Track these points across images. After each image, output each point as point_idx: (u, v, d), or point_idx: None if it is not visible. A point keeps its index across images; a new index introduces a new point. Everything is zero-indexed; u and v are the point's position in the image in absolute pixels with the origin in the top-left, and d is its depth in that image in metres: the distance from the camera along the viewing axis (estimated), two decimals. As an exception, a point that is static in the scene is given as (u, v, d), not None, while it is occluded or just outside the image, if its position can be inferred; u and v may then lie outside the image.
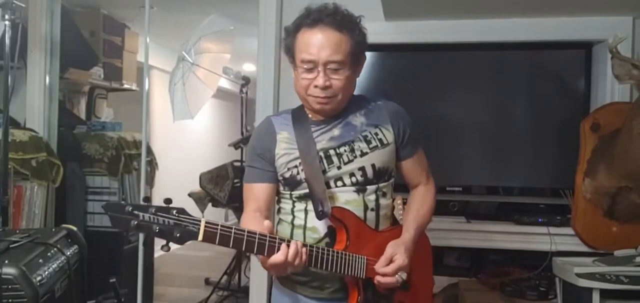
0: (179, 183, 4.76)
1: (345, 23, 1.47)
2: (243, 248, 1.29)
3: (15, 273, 1.68)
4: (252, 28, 3.04)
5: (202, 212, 4.37)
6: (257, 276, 2.70)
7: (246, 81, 4.33)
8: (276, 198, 1.61)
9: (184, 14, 4.29)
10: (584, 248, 2.34)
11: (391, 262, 1.46)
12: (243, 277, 4.42)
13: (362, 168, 1.52)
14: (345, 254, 1.43)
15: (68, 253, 2.05)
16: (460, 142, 2.64)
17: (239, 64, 5.45)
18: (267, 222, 1.36)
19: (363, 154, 1.53)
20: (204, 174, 4.39)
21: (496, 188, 2.66)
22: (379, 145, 1.55)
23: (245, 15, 4.01)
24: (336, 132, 1.55)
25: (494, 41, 2.53)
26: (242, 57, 5.21)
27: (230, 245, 1.27)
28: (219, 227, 1.25)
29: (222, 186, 4.28)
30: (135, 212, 1.17)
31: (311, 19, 1.46)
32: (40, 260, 1.85)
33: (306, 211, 1.54)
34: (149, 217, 1.18)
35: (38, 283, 1.74)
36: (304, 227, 1.54)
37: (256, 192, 1.54)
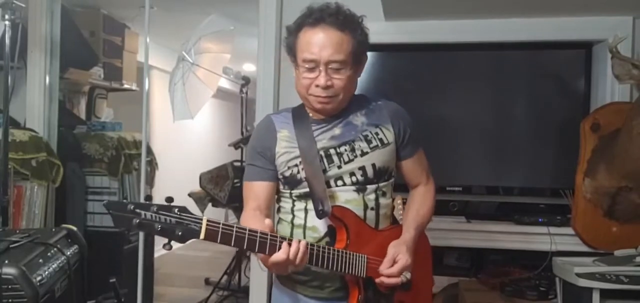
0: (179, 183, 4.75)
1: (347, 23, 1.47)
2: (244, 247, 1.29)
3: (15, 273, 1.68)
4: (252, 28, 3.04)
5: (202, 212, 4.37)
6: (257, 276, 2.70)
7: (246, 81, 4.33)
8: (276, 197, 1.61)
9: (184, 14, 4.29)
10: (584, 248, 2.34)
11: (395, 263, 1.46)
12: (243, 277, 4.42)
13: (362, 168, 1.53)
14: (346, 253, 1.43)
15: (68, 253, 2.05)
16: (460, 142, 2.64)
17: (239, 64, 5.45)
18: (267, 221, 1.36)
19: (363, 154, 1.53)
20: (204, 174, 4.39)
21: (496, 188, 2.66)
22: (380, 144, 1.55)
23: (245, 15, 4.01)
24: (337, 131, 1.55)
25: (494, 41, 2.53)
26: (242, 57, 5.21)
27: (232, 244, 1.27)
28: (221, 225, 1.25)
29: (222, 186, 4.28)
30: (137, 211, 1.17)
31: (313, 18, 1.47)
32: (40, 260, 1.85)
33: (306, 210, 1.54)
34: (151, 216, 1.18)
35: (38, 283, 1.74)
36: (304, 227, 1.54)
37: (256, 191, 1.54)
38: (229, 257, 4.58)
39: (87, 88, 4.10)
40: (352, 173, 1.52)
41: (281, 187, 1.58)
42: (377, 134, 1.56)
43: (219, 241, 1.24)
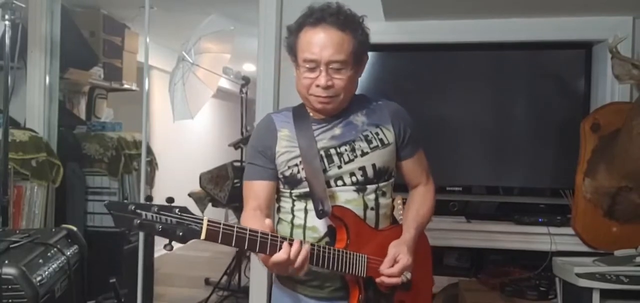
0: (179, 183, 4.76)
1: (348, 23, 1.47)
2: (245, 247, 1.29)
3: (15, 273, 1.68)
4: (252, 28, 3.04)
5: (202, 212, 4.37)
6: (257, 276, 2.70)
7: (246, 81, 4.33)
8: (276, 197, 1.61)
9: (184, 14, 4.29)
10: (584, 248, 2.34)
11: (395, 263, 1.46)
12: (243, 277, 4.42)
13: (362, 168, 1.53)
14: (346, 253, 1.43)
15: (68, 253, 2.05)
16: (460, 142, 2.64)
17: (239, 64, 5.45)
18: (268, 221, 1.36)
19: (364, 154, 1.53)
20: (204, 174, 4.39)
21: (496, 188, 2.66)
22: (380, 145, 1.55)
23: (245, 15, 4.01)
24: (337, 131, 1.55)
25: (494, 41, 2.53)
26: (242, 57, 5.21)
27: (233, 244, 1.27)
28: (222, 225, 1.24)
29: (222, 186, 4.28)
30: (138, 211, 1.17)
31: (314, 18, 1.46)
32: (40, 260, 1.85)
33: (306, 210, 1.54)
34: (152, 216, 1.18)
35: (38, 284, 1.74)
36: (304, 227, 1.54)
37: (256, 190, 1.54)
38: (229, 257, 4.58)
39: (87, 88, 4.10)
40: (352, 173, 1.52)
41: (281, 186, 1.58)
42: (377, 134, 1.56)
43: (219, 241, 1.24)
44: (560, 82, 2.63)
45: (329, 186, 1.51)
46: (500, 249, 2.52)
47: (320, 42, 1.45)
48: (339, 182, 1.52)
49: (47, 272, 1.83)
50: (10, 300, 1.67)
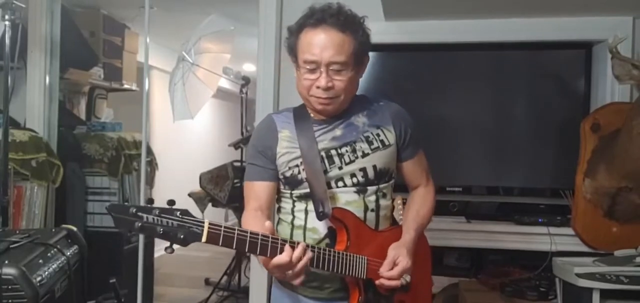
0: (179, 184, 4.76)
1: (349, 23, 1.47)
2: (246, 250, 1.29)
3: (15, 273, 1.68)
4: (252, 28, 3.04)
5: (202, 212, 4.37)
6: (257, 276, 2.70)
7: (246, 81, 4.33)
8: (276, 197, 1.61)
9: (184, 14, 4.29)
10: (584, 249, 2.34)
11: (395, 265, 1.46)
12: (243, 277, 4.42)
13: (363, 169, 1.52)
14: (346, 255, 1.43)
15: (68, 253, 2.05)
16: (460, 142, 2.64)
17: (239, 64, 5.45)
18: (268, 223, 1.36)
19: (364, 155, 1.53)
20: (204, 174, 4.39)
21: (496, 189, 2.66)
22: (381, 146, 1.55)
23: (245, 15, 4.01)
24: (338, 132, 1.55)
25: (494, 41, 2.53)
26: (242, 57, 5.21)
27: (234, 247, 1.27)
28: (222, 228, 1.25)
29: (222, 186, 4.28)
30: (139, 214, 1.17)
31: (314, 19, 1.46)
32: (40, 261, 1.85)
33: (306, 211, 1.54)
34: (153, 219, 1.18)
35: (38, 284, 1.74)
36: (304, 228, 1.54)
37: (257, 191, 1.54)
38: (229, 257, 4.58)
39: (87, 88, 4.10)
40: (353, 175, 1.52)
41: (282, 187, 1.58)
42: (378, 135, 1.56)
43: (220, 244, 1.24)
44: (560, 82, 2.63)
45: (330, 187, 1.51)
46: (500, 249, 2.52)
47: (321, 43, 1.44)
48: (340, 183, 1.52)
49: (47, 272, 1.83)
50: (10, 300, 1.67)
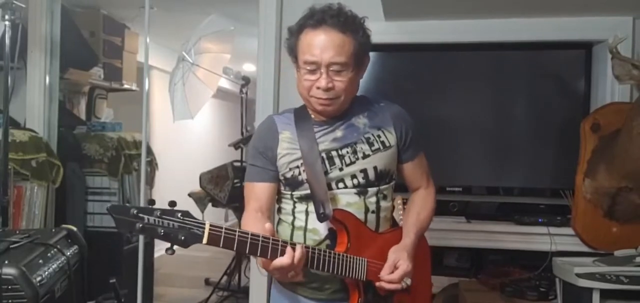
0: (179, 184, 4.76)
1: (349, 24, 1.46)
2: (247, 251, 1.29)
3: (15, 273, 1.68)
4: (252, 28, 3.04)
5: (202, 212, 4.38)
6: (256, 276, 2.70)
7: (246, 81, 4.33)
8: (277, 198, 1.61)
9: (184, 14, 4.29)
10: (584, 249, 2.34)
11: (395, 269, 1.46)
12: (243, 277, 4.42)
13: (364, 171, 1.52)
14: (346, 256, 1.43)
15: (68, 253, 2.05)
16: (460, 142, 2.64)
17: (239, 64, 5.45)
18: (268, 225, 1.36)
19: (365, 156, 1.53)
20: (204, 174, 4.39)
21: (496, 189, 2.66)
22: (381, 147, 1.55)
23: (245, 15, 4.01)
24: (339, 133, 1.54)
25: (494, 41, 2.53)
26: (242, 57, 5.21)
27: (234, 248, 1.27)
28: (223, 229, 1.25)
29: (222, 186, 4.28)
30: (140, 215, 1.17)
31: (314, 19, 1.46)
32: (40, 261, 1.85)
33: (307, 212, 1.53)
34: (154, 220, 1.18)
35: (38, 284, 1.74)
36: (305, 229, 1.54)
37: (257, 192, 1.54)
38: (228, 257, 4.58)
39: (87, 88, 4.10)
40: (353, 176, 1.52)
41: (282, 188, 1.58)
42: (379, 136, 1.56)
43: (221, 246, 1.24)
44: (560, 82, 2.63)
45: (330, 188, 1.50)
46: (500, 249, 2.52)
47: (321, 44, 1.44)
48: (340, 185, 1.52)
49: (47, 272, 1.83)
50: (10, 300, 1.67)
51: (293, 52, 1.52)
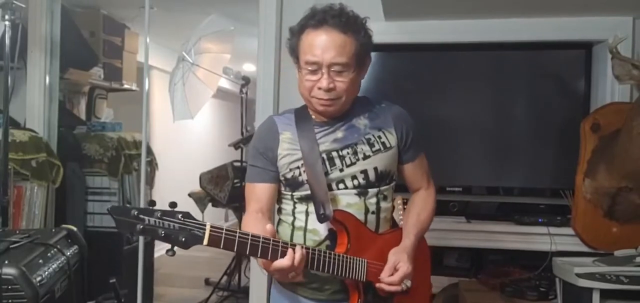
0: (179, 184, 4.76)
1: (350, 25, 1.46)
2: (247, 252, 1.29)
3: (15, 273, 1.68)
4: (252, 28, 3.04)
5: (202, 212, 4.38)
6: (256, 276, 2.70)
7: (246, 81, 4.33)
8: (277, 198, 1.61)
9: (184, 14, 4.29)
10: (584, 249, 2.34)
11: (396, 270, 1.46)
12: (243, 277, 4.42)
13: (364, 171, 1.52)
14: (347, 258, 1.43)
15: (68, 253, 2.05)
16: (460, 142, 2.64)
17: (239, 64, 5.45)
18: (269, 226, 1.36)
19: (366, 157, 1.53)
20: (204, 174, 4.39)
21: (496, 189, 2.66)
22: (382, 148, 1.55)
23: (245, 15, 4.01)
24: (339, 134, 1.54)
25: (494, 41, 2.53)
26: (242, 57, 5.21)
27: (235, 250, 1.27)
28: (224, 231, 1.25)
29: (222, 186, 4.28)
30: (141, 216, 1.17)
31: (316, 20, 1.46)
32: (40, 261, 1.85)
33: (307, 213, 1.53)
34: (155, 221, 1.18)
35: (38, 284, 1.74)
36: (305, 229, 1.54)
37: (258, 192, 1.54)
38: (228, 257, 4.58)
39: (87, 88, 4.10)
40: (354, 177, 1.52)
41: (282, 188, 1.58)
42: (379, 137, 1.56)
43: (222, 247, 1.24)
44: (560, 82, 2.63)
45: (331, 189, 1.50)
46: (500, 249, 2.52)
47: (322, 44, 1.44)
48: (341, 185, 1.52)
49: (47, 272, 1.83)
50: (10, 300, 1.67)
51: (294, 52, 1.52)
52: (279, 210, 1.63)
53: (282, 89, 2.67)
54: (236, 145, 4.35)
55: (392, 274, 1.46)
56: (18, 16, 2.47)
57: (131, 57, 4.41)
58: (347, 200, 1.51)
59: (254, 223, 1.43)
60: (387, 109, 1.61)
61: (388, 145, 1.56)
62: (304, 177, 1.50)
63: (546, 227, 2.42)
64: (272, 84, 2.66)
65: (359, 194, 1.52)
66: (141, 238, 3.10)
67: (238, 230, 1.28)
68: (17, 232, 2.08)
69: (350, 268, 1.43)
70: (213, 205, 4.51)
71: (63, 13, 3.29)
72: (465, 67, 2.66)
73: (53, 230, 2.22)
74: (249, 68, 5.82)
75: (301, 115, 1.58)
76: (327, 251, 1.41)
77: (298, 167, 1.51)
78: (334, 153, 1.52)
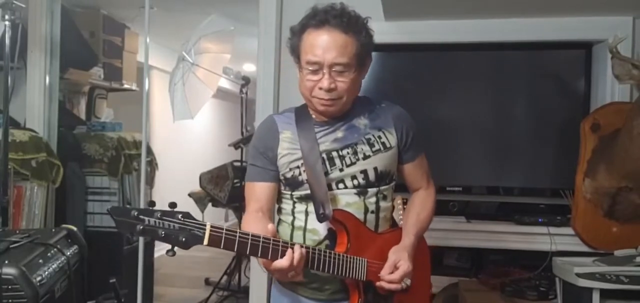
0: (179, 184, 4.76)
1: (352, 25, 1.46)
2: (247, 252, 1.29)
3: (15, 273, 1.68)
4: (252, 28, 3.04)
5: (202, 212, 4.38)
6: (256, 276, 2.70)
7: (246, 81, 4.33)
8: (277, 197, 1.61)
9: (184, 14, 4.29)
10: (584, 248, 2.34)
11: (396, 269, 1.46)
12: (243, 277, 4.42)
13: (364, 171, 1.52)
14: (346, 257, 1.43)
15: (68, 253, 2.05)
16: (460, 142, 2.64)
17: (239, 64, 5.46)
18: (270, 226, 1.36)
19: (366, 157, 1.53)
20: (204, 174, 4.39)
21: (496, 189, 2.66)
22: (382, 148, 1.55)
23: (245, 15, 4.02)
24: (340, 133, 1.54)
25: (494, 41, 2.53)
26: (242, 57, 5.21)
27: (235, 249, 1.27)
28: (224, 231, 1.24)
29: (222, 186, 4.28)
30: (141, 217, 1.17)
31: (317, 19, 1.45)
32: (40, 261, 1.85)
33: (306, 212, 1.53)
34: (155, 221, 1.18)
35: (38, 284, 1.74)
36: (304, 229, 1.54)
37: (258, 192, 1.54)
38: (228, 257, 4.58)
39: (87, 88, 4.10)
40: (353, 177, 1.52)
41: (282, 188, 1.58)
42: (379, 137, 1.56)
43: (222, 247, 1.24)
44: (560, 82, 2.63)
45: (330, 189, 1.50)
46: (500, 249, 2.52)
47: (324, 44, 1.44)
48: (340, 185, 1.52)
49: (47, 272, 1.83)
50: (10, 300, 1.67)
51: (295, 51, 1.51)
52: (279, 210, 1.63)
53: (282, 89, 2.67)
54: (236, 145, 4.35)
55: (392, 272, 1.46)
56: (18, 16, 2.47)
57: (131, 57, 4.41)
58: (347, 200, 1.51)
59: (254, 223, 1.43)
60: (388, 109, 1.61)
61: (388, 145, 1.56)
62: (304, 176, 1.50)
63: (546, 226, 2.42)
64: (272, 83, 2.66)
65: (358, 194, 1.52)
66: (141, 239, 3.10)
67: (238, 230, 1.28)
68: (17, 231, 2.08)
69: (350, 268, 1.43)
70: (213, 205, 4.51)
71: (63, 13, 3.30)
72: (465, 67, 2.66)
73: (53, 230, 2.22)
74: (249, 68, 5.82)
75: (301, 115, 1.57)
76: (327, 251, 1.41)
77: (298, 167, 1.51)
78: (334, 153, 1.52)
